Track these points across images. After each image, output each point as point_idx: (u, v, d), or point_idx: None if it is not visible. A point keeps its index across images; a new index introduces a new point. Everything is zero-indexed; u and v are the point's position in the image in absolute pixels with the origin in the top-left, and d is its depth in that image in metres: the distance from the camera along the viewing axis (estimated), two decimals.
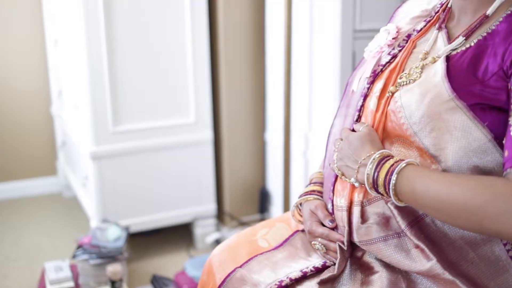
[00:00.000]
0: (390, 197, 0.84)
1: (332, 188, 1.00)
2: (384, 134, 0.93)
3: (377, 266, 0.95)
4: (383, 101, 0.94)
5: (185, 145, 2.21)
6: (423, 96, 0.85)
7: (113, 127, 2.09)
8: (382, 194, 0.87)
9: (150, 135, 2.15)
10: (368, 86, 0.99)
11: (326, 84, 1.88)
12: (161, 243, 2.39)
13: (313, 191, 1.10)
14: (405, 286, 0.90)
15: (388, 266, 0.93)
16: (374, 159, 0.87)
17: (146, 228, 2.23)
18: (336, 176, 1.00)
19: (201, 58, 2.15)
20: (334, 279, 0.96)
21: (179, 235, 2.44)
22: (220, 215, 2.41)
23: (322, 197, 1.08)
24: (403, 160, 0.84)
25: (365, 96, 0.99)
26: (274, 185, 2.33)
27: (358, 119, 1.00)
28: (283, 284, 0.96)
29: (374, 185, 0.86)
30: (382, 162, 0.85)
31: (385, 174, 0.83)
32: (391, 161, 0.85)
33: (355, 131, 0.96)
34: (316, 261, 1.03)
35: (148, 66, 2.10)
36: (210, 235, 2.34)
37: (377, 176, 0.85)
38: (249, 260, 1.05)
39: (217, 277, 1.06)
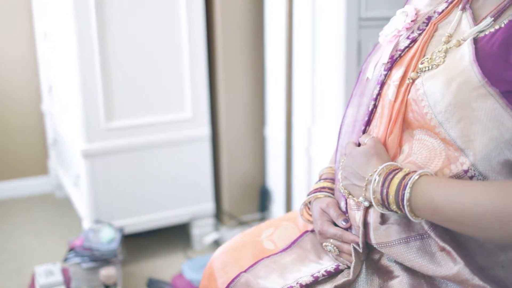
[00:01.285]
0: (405, 214, 0.78)
1: None
2: (404, 125, 0.86)
3: (396, 270, 0.88)
4: (402, 89, 0.87)
5: (182, 142, 2.15)
6: (449, 82, 0.78)
7: (106, 123, 2.02)
8: (394, 211, 0.80)
9: (145, 132, 2.09)
10: (385, 73, 0.93)
11: (329, 75, 1.81)
12: (157, 244, 2.33)
13: (323, 187, 1.04)
14: None
15: (409, 270, 0.86)
16: (380, 174, 0.80)
17: (142, 229, 2.17)
18: None
19: (197, 50, 2.09)
20: (349, 284, 0.89)
21: (176, 235, 2.38)
22: (219, 215, 2.36)
23: (333, 194, 1.02)
24: (414, 171, 0.78)
25: (382, 84, 0.93)
26: (275, 183, 2.27)
27: (374, 109, 0.94)
28: None
29: (385, 203, 0.80)
30: (390, 176, 0.79)
31: (396, 190, 0.77)
32: (400, 174, 0.78)
33: (360, 144, 0.90)
34: (328, 264, 0.96)
35: (142, 59, 2.03)
36: (208, 235, 2.28)
37: (387, 193, 0.79)
38: (254, 264, 0.99)
39: (219, 281, 1.01)
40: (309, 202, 1.05)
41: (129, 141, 2.07)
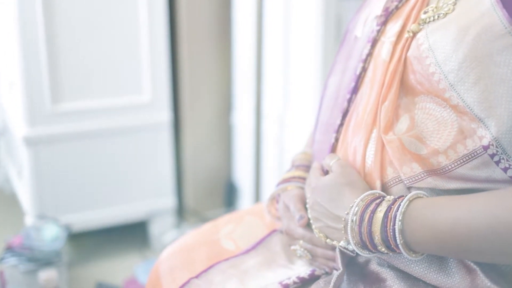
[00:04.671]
0: (400, 252, 0.64)
1: None
2: (402, 91, 0.70)
3: (390, 277, 0.71)
4: (399, 46, 0.70)
5: (139, 128, 1.98)
6: (465, 31, 0.61)
7: (52, 106, 1.83)
8: (384, 253, 0.65)
9: (97, 116, 1.91)
10: (378, 28, 0.76)
11: (304, 55, 1.67)
12: (110, 243, 2.14)
13: (294, 177, 0.87)
14: None
15: (405, 278, 0.69)
16: (356, 211, 0.66)
17: (92, 226, 1.99)
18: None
19: (158, 26, 1.91)
20: None
21: (131, 234, 2.20)
22: (180, 211, 2.21)
23: None
24: (402, 197, 0.62)
25: (374, 42, 0.76)
26: (243, 176, 2.12)
27: (363, 73, 0.75)
28: None
29: (367, 245, 0.65)
30: (370, 208, 0.64)
31: (381, 226, 0.63)
32: (383, 206, 0.63)
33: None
34: (301, 269, 0.80)
35: (94, 33, 1.84)
36: (168, 233, 2.11)
37: (370, 232, 0.63)
38: (208, 268, 0.83)
39: None
40: (279, 195, 0.89)
41: (79, 127, 1.89)
